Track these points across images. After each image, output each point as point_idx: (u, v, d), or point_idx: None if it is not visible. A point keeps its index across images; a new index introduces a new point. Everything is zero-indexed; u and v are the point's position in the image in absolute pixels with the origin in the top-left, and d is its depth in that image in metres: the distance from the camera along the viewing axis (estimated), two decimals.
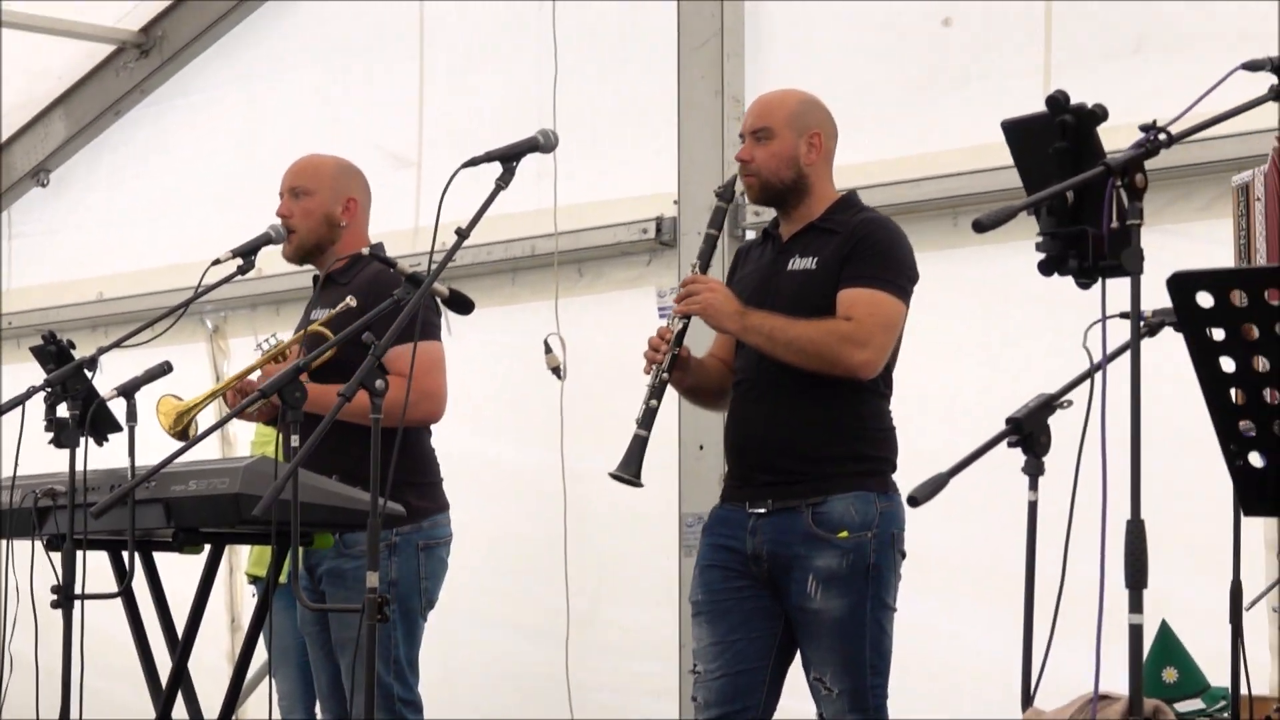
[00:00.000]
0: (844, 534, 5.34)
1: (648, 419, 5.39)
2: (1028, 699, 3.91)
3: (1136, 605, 3.56)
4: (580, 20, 8.79)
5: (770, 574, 5.44)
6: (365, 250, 5.94)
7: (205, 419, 6.19)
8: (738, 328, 5.43)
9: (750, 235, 7.11)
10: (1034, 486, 3.80)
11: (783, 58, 8.28)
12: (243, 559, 8.58)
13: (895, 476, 5.48)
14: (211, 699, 5.80)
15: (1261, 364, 3.34)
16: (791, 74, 8.18)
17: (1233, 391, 3.39)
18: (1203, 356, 3.38)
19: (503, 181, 5.18)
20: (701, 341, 5.86)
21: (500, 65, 9.27)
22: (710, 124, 8.23)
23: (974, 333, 7.34)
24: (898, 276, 5.49)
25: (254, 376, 6.17)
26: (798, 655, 5.55)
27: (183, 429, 6.00)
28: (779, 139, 5.51)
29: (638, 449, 5.38)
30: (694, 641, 5.67)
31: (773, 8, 8.37)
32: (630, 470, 5.37)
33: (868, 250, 5.46)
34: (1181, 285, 3.32)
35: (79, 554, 5.55)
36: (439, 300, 5.58)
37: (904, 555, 5.56)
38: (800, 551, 5.37)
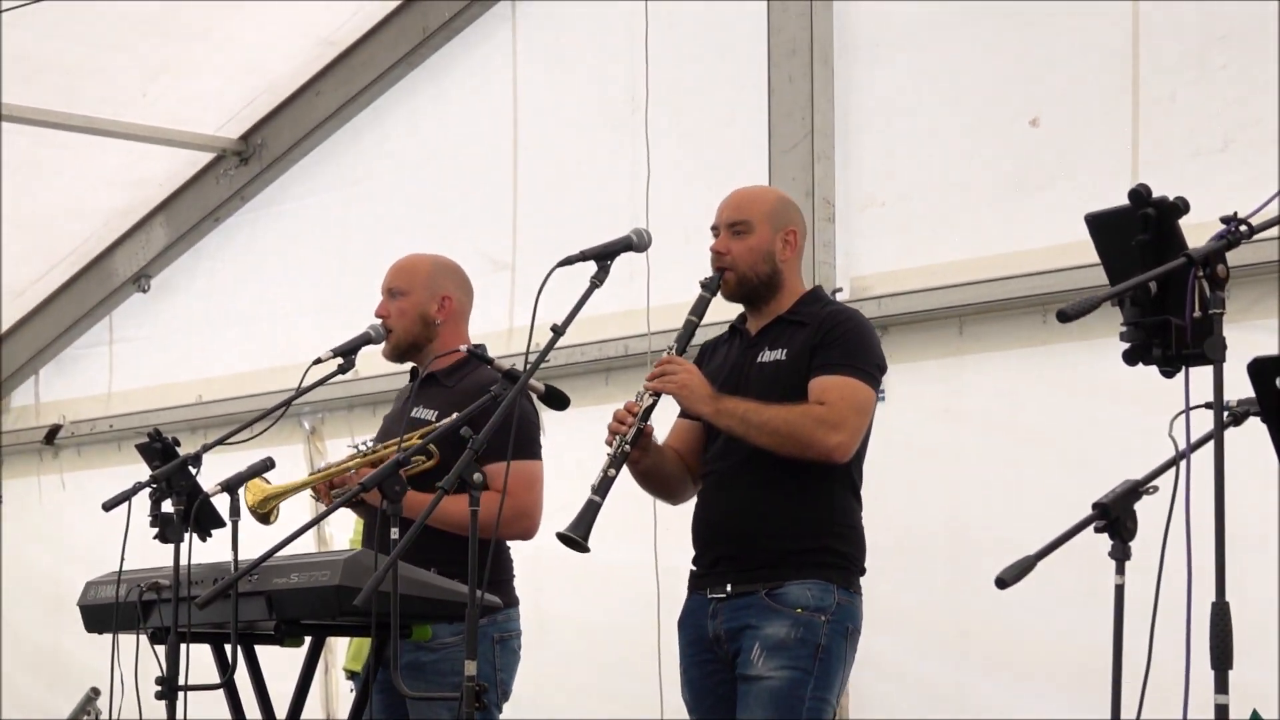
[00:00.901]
0: (799, 610, 5.31)
1: (604, 486, 5.32)
2: None
3: (1222, 686, 3.55)
4: (672, 121, 8.85)
5: (730, 654, 5.41)
6: (464, 349, 6.00)
7: (292, 510, 6.28)
8: (711, 411, 5.39)
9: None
10: (1120, 571, 3.79)
11: (871, 159, 8.34)
12: (339, 656, 8.64)
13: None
14: None
15: None
16: (879, 174, 8.27)
17: None
18: None
19: (598, 279, 5.20)
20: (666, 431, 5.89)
21: (593, 167, 9.36)
22: None
23: (1067, 426, 7.36)
24: (867, 364, 5.48)
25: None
26: None
27: (266, 512, 6.06)
28: (757, 234, 5.51)
29: (589, 514, 5.30)
30: None
31: (862, 108, 8.41)
32: (579, 532, 5.30)
33: (838, 339, 5.45)
34: (1262, 370, 3.36)
35: (183, 646, 5.61)
36: (536, 398, 5.60)
37: (854, 655, 5.54)
38: (752, 622, 5.34)
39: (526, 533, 5.87)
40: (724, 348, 5.77)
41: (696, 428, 5.68)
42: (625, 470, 5.45)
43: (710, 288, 5.58)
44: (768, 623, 5.34)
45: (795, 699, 5.31)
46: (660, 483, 5.72)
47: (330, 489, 6.14)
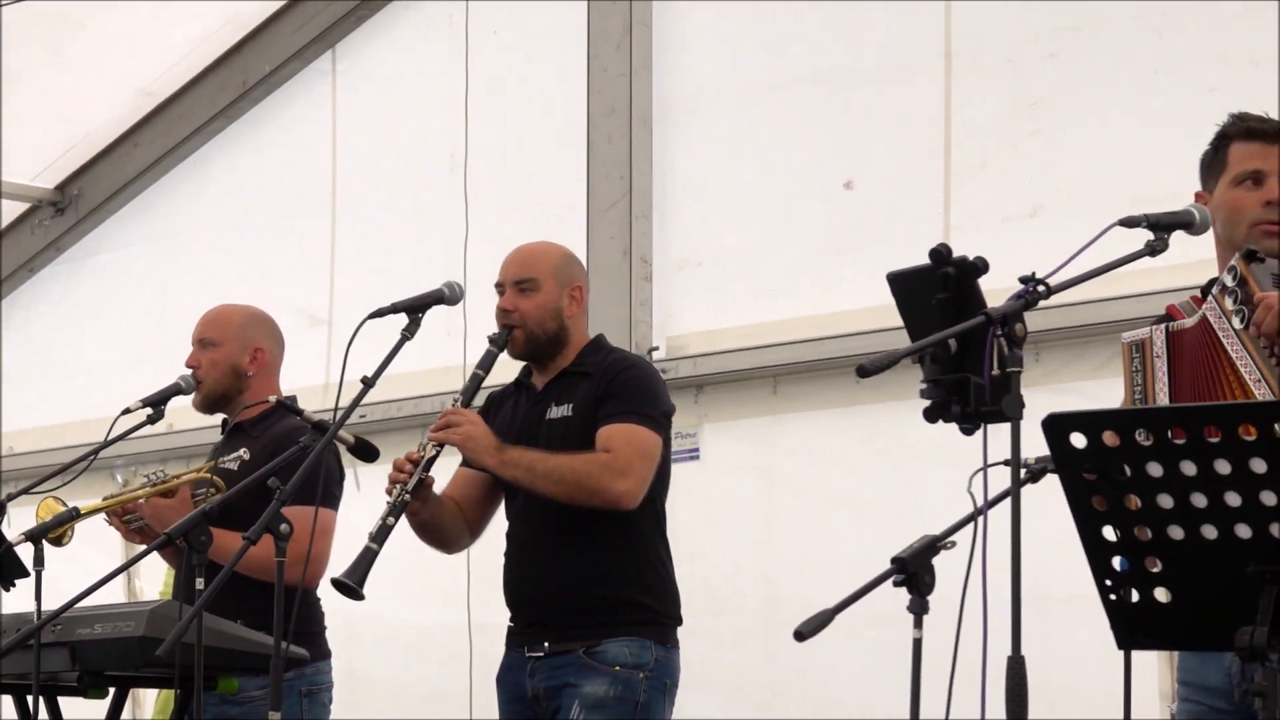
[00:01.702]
0: (617, 668, 5.33)
1: (382, 534, 5.30)
2: None
3: None
4: (492, 179, 8.88)
5: (549, 711, 5.43)
6: (273, 399, 6.00)
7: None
8: (496, 462, 5.41)
9: None
10: (918, 625, 3.81)
11: (688, 219, 8.39)
12: (148, 708, 8.57)
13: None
14: None
15: (1134, 502, 3.42)
16: (696, 235, 8.33)
17: (1106, 529, 3.46)
18: (1077, 495, 3.44)
19: (408, 332, 5.21)
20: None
21: (413, 223, 9.34)
22: (619, 282, 8.28)
23: (875, 484, 7.43)
24: (652, 409, 5.50)
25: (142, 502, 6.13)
26: None
27: (58, 535, 5.97)
28: (544, 291, 5.54)
29: (366, 560, 5.29)
30: None
31: (680, 169, 8.46)
32: (354, 578, 5.29)
33: (620, 388, 5.49)
34: (1055, 426, 3.41)
35: None
36: (345, 449, 5.60)
37: (672, 710, 5.56)
38: (571, 680, 5.35)
39: (312, 578, 5.75)
40: (509, 401, 5.78)
41: (477, 478, 5.68)
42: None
43: (498, 343, 5.58)
44: (587, 681, 5.35)
45: None
46: (436, 533, 5.68)
47: (122, 516, 6.09)
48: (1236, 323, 4.01)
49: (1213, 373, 4.08)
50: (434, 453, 5.44)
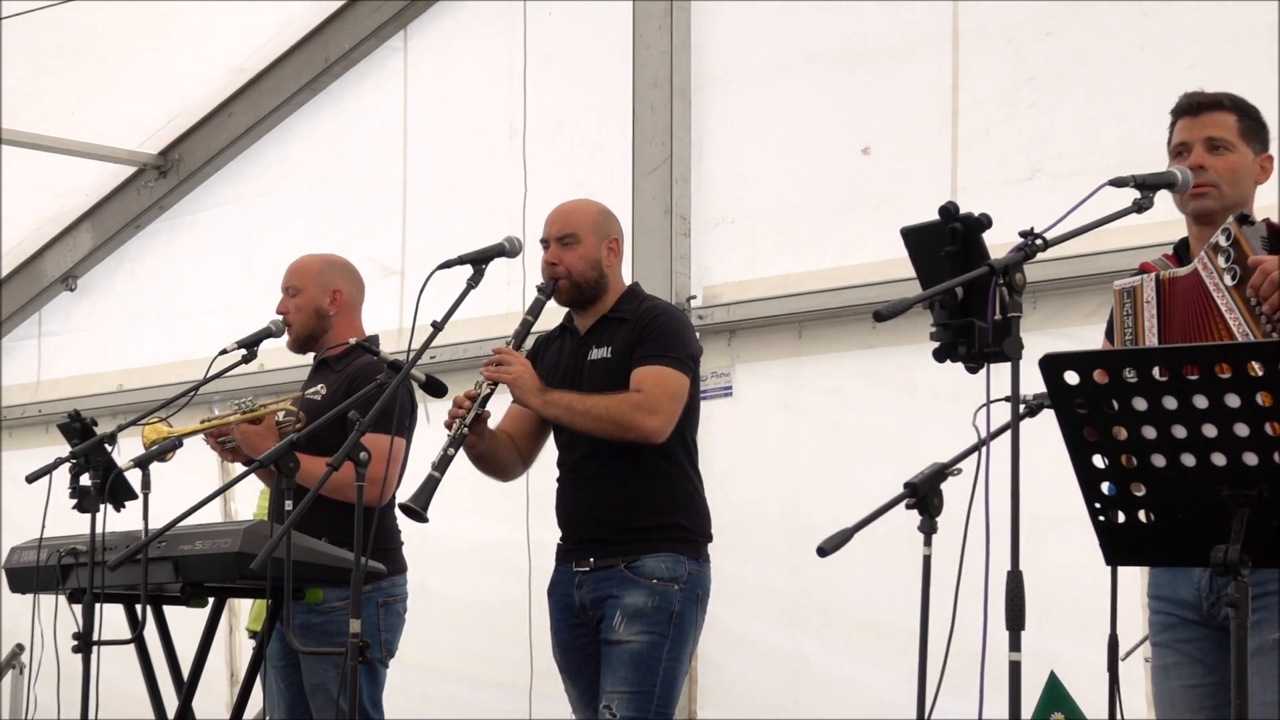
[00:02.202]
0: (654, 580, 5.35)
1: (444, 463, 5.30)
2: None
3: (1015, 645, 3.60)
4: (547, 147, 8.88)
5: (595, 619, 5.44)
6: (353, 340, 6.02)
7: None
8: (539, 402, 5.41)
9: None
10: (928, 543, 3.82)
11: (722, 181, 8.39)
12: (242, 617, 8.60)
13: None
14: None
15: (1121, 433, 3.41)
16: (730, 195, 8.31)
17: (1096, 457, 3.46)
18: (1070, 427, 3.44)
19: (473, 282, 5.20)
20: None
21: (476, 185, 9.34)
22: (661, 238, 8.30)
23: (888, 418, 7.43)
24: (680, 352, 5.48)
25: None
26: None
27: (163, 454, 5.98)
28: (584, 244, 5.52)
29: (429, 487, 5.29)
30: (568, 696, 5.69)
31: (715, 138, 8.45)
32: (419, 503, 5.29)
33: (653, 333, 5.47)
34: (1051, 365, 3.41)
35: (97, 606, 5.58)
36: (416, 385, 5.59)
37: (704, 618, 5.58)
38: (614, 592, 5.37)
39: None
40: (555, 344, 5.76)
41: (527, 414, 5.66)
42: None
43: (546, 291, 5.57)
44: (627, 593, 5.36)
45: (653, 660, 5.34)
46: (492, 464, 5.67)
47: (217, 438, 6.11)
48: (1228, 280, 3.99)
49: (1203, 320, 4.07)
50: (489, 390, 5.43)
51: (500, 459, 5.66)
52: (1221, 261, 4.02)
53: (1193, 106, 4.40)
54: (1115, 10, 7.29)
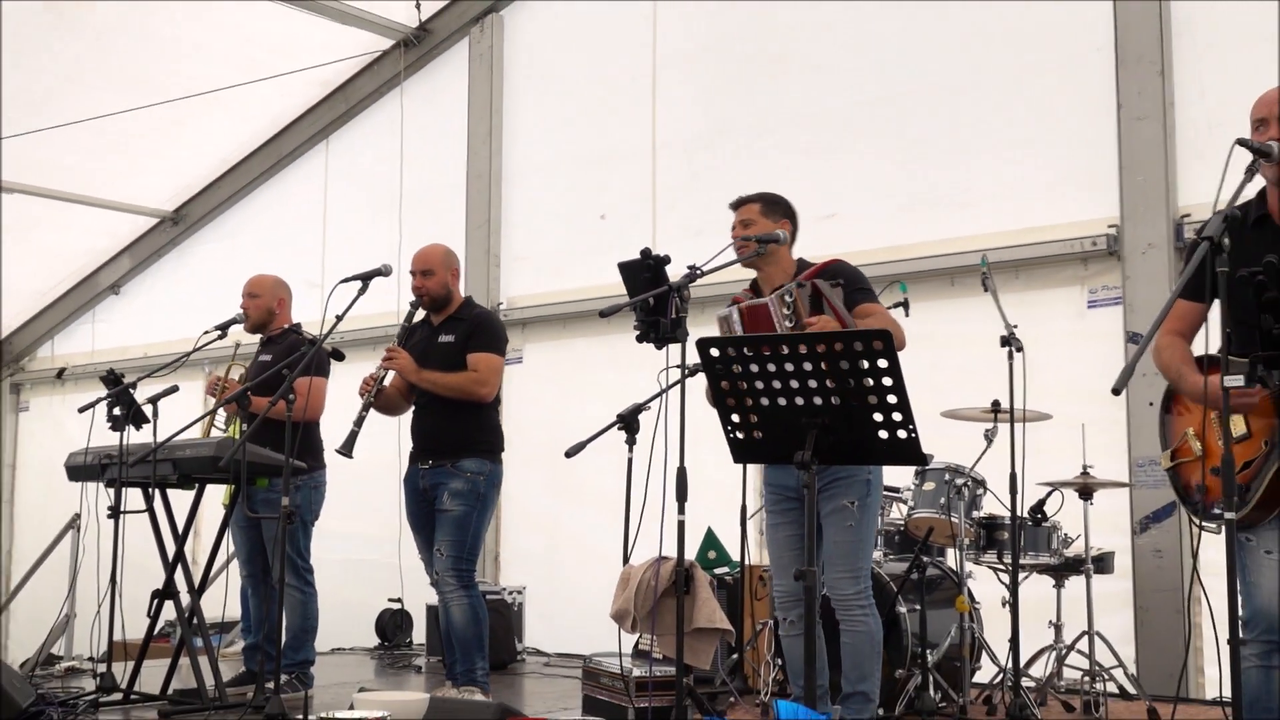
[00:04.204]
0: (469, 473, 5.27)
1: (360, 421, 5.20)
2: (625, 560, 3.94)
3: (681, 510, 3.64)
4: (415, 210, 8.78)
5: (431, 497, 5.33)
6: (287, 326, 5.92)
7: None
8: (416, 378, 5.30)
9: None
10: (630, 449, 3.81)
11: (518, 235, 8.31)
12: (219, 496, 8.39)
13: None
14: (196, 574, 5.67)
15: (743, 385, 3.41)
16: (523, 243, 8.23)
17: (729, 400, 3.46)
18: (713, 381, 3.43)
19: (361, 290, 4.99)
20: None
21: (365, 231, 9.13)
22: (482, 268, 8.22)
23: (610, 377, 7.37)
24: (498, 343, 5.41)
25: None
26: None
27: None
28: (437, 274, 5.41)
29: (352, 438, 5.17)
30: (416, 544, 5.54)
31: (514, 206, 8.36)
32: (346, 448, 5.18)
33: (480, 330, 5.39)
34: (702, 345, 3.41)
35: (123, 489, 5.45)
36: (326, 353, 5.45)
37: (497, 497, 5.51)
38: (443, 481, 5.27)
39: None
40: (420, 329, 5.59)
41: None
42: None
43: (415, 305, 5.46)
44: (451, 480, 5.27)
45: (466, 522, 5.24)
46: (388, 410, 5.51)
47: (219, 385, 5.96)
48: (787, 324, 4.02)
49: (769, 328, 4.08)
50: (383, 373, 5.33)
51: (394, 406, 5.51)
52: (785, 310, 4.04)
53: (739, 202, 4.43)
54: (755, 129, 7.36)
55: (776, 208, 4.43)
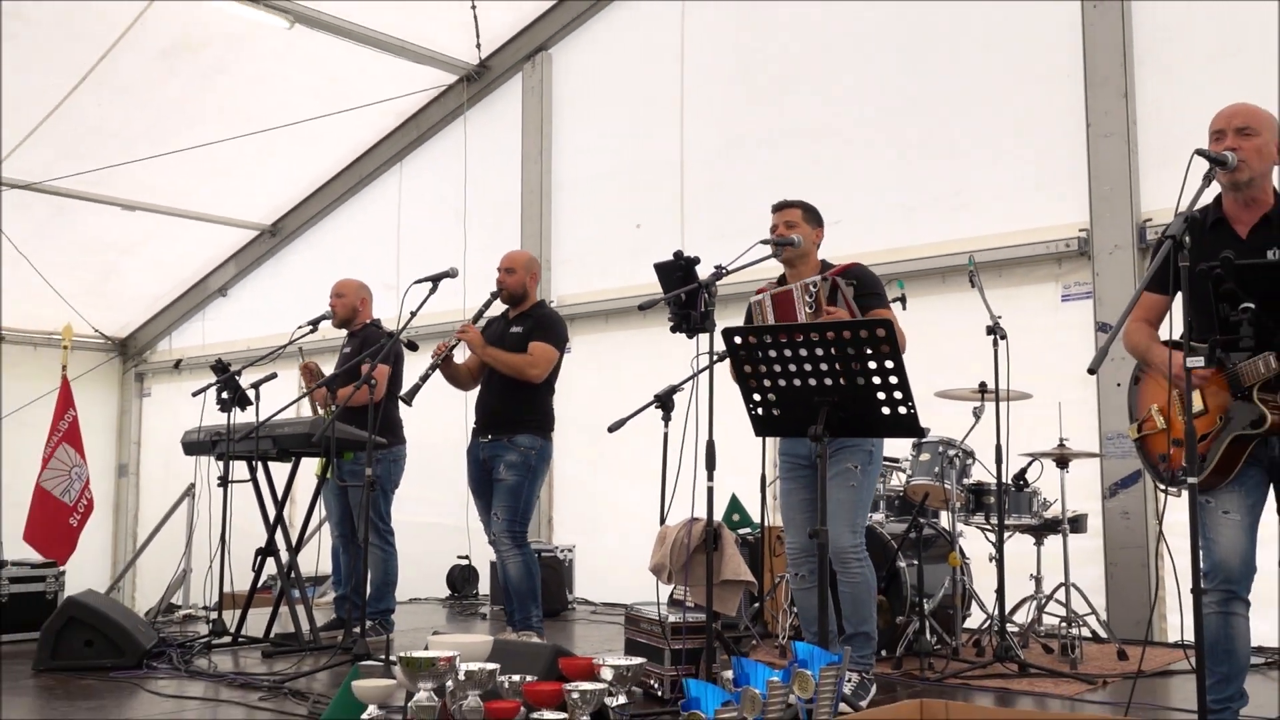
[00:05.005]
0: (523, 447, 5.23)
1: (425, 376, 5.15)
2: (661, 521, 3.90)
3: (710, 477, 3.61)
4: (479, 222, 8.73)
5: (490, 468, 5.29)
6: (368, 321, 5.90)
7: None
8: (481, 353, 5.28)
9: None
10: (666, 425, 3.77)
11: (567, 241, 8.25)
12: (313, 467, 8.42)
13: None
14: (293, 535, 5.70)
15: (764, 368, 3.39)
16: (570, 248, 8.17)
17: (752, 381, 3.44)
18: (737, 365, 3.41)
19: (432, 291, 4.98)
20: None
21: (437, 242, 9.10)
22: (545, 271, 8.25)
23: (651, 364, 7.31)
24: (556, 338, 5.37)
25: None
26: None
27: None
28: (517, 274, 5.39)
29: (414, 389, 5.15)
30: (476, 507, 5.47)
31: (563, 216, 8.30)
32: (409, 396, 5.16)
33: (542, 325, 5.36)
34: (728, 333, 3.39)
35: (231, 462, 5.48)
36: (402, 344, 5.44)
37: (548, 471, 5.46)
38: (500, 453, 5.24)
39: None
40: (497, 320, 5.57)
41: (476, 357, 5.44)
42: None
43: (495, 295, 5.42)
44: (507, 453, 5.24)
45: (519, 490, 5.22)
46: (456, 382, 5.48)
47: (309, 372, 5.97)
48: (808, 309, 3.98)
49: (792, 316, 4.04)
50: (455, 342, 5.30)
51: (460, 380, 5.47)
52: (807, 297, 3.99)
53: (781, 205, 4.29)
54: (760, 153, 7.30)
55: (813, 216, 4.35)
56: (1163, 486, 3.31)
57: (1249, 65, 5.55)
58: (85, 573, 9.23)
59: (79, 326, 11.01)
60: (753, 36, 7.57)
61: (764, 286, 4.32)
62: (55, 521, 8.56)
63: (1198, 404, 3.17)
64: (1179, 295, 2.94)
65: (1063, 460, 5.21)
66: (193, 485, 8.55)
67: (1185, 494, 2.80)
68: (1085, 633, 5.20)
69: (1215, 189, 3.21)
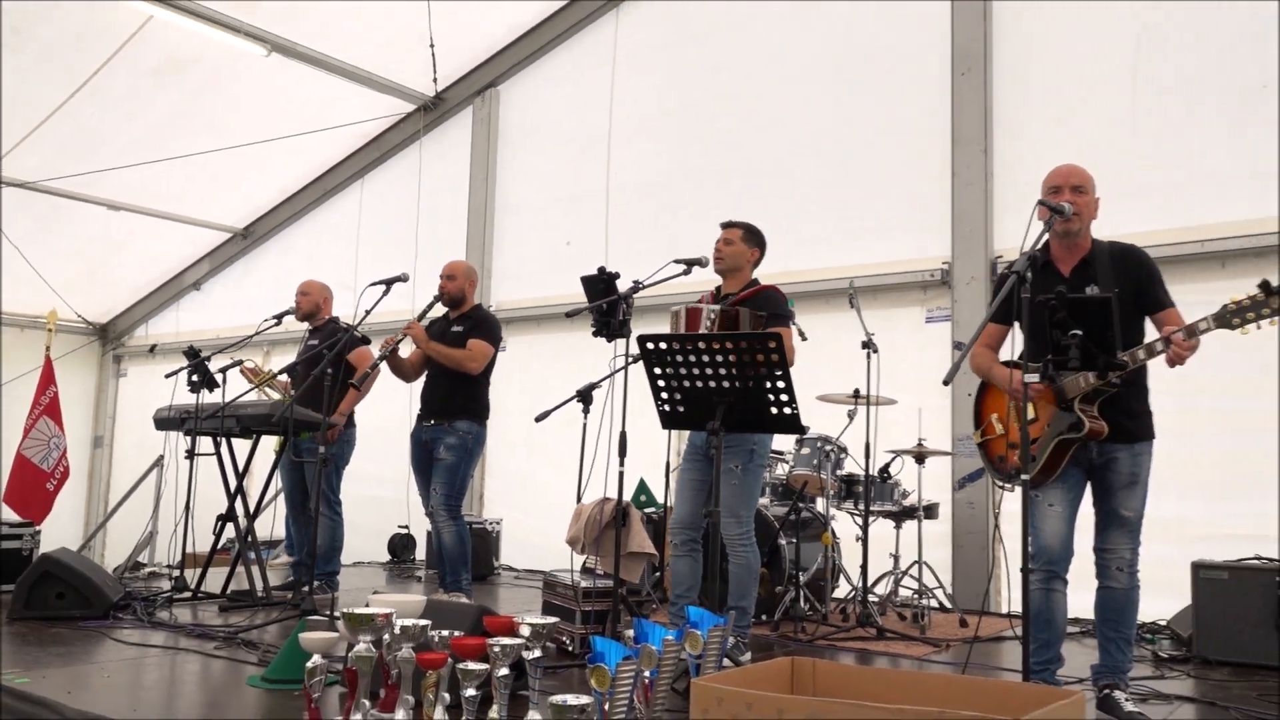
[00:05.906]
0: (461, 432, 5.15)
1: (375, 364, 5.02)
2: (578, 499, 3.89)
3: (621, 462, 3.60)
4: (430, 238, 8.59)
5: (430, 450, 5.21)
6: (327, 317, 5.75)
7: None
8: (425, 346, 5.18)
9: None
10: (585, 417, 3.76)
11: (506, 256, 8.17)
12: (270, 445, 8.24)
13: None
14: (251, 503, 5.55)
15: (675, 371, 3.39)
16: (509, 262, 8.05)
17: (661, 381, 3.42)
18: (650, 368, 3.39)
19: (385, 293, 4.94)
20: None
21: (386, 251, 8.92)
22: (483, 279, 8.15)
23: (575, 364, 7.17)
24: (491, 335, 5.29)
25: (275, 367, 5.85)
26: None
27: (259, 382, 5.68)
28: (457, 280, 5.26)
29: (364, 377, 5.05)
30: (416, 483, 5.34)
31: (505, 235, 8.20)
32: (359, 382, 5.05)
33: (480, 325, 5.28)
34: (642, 341, 3.38)
35: (197, 437, 5.32)
36: (357, 338, 5.33)
37: (480, 452, 5.34)
38: (440, 436, 5.16)
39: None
40: (439, 321, 5.47)
41: (420, 352, 5.36)
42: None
43: (436, 299, 5.32)
44: (446, 436, 5.16)
45: (455, 468, 5.15)
46: (400, 374, 5.37)
47: (255, 373, 5.81)
48: (711, 324, 3.96)
49: (698, 328, 4.01)
50: (401, 338, 5.16)
51: (404, 372, 5.36)
52: (712, 315, 3.95)
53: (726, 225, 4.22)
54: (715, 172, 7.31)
55: (753, 237, 4.29)
56: (1000, 482, 3.40)
57: (1080, 131, 5.76)
58: (60, 533, 8.91)
59: (64, 312, 10.63)
60: (673, 86, 7.61)
61: (704, 296, 4.26)
62: (33, 486, 8.24)
63: (1030, 413, 3.26)
64: (1018, 323, 3.02)
65: (920, 457, 5.31)
66: (162, 457, 8.29)
67: (1018, 489, 2.87)
68: (933, 604, 5.30)
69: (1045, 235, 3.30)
